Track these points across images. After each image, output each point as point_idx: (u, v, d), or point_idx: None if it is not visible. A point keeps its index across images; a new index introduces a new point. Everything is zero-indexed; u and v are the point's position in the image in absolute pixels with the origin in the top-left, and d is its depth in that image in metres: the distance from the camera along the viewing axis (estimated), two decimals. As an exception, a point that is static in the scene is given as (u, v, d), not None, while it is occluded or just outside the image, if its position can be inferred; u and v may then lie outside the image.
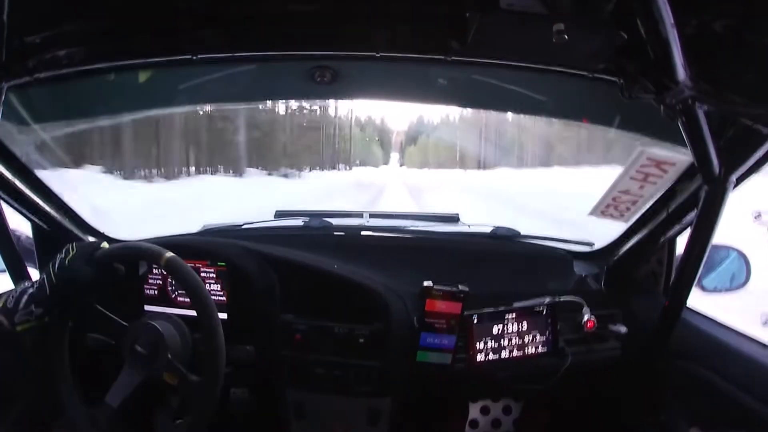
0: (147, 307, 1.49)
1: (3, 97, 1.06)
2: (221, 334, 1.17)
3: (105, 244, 1.15)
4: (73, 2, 0.98)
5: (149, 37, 1.08)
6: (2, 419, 1.17)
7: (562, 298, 1.54)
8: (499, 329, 1.51)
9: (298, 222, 1.91)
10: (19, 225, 1.49)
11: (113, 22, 1.04)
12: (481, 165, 28.55)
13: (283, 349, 1.50)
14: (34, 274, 1.43)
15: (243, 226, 1.88)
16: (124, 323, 1.19)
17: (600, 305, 1.57)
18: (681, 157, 1.16)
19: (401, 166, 36.12)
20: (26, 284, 1.09)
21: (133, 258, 1.16)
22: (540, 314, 1.53)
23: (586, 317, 1.51)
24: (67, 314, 1.14)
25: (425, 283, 1.45)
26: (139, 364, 1.15)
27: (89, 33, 1.05)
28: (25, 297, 1.05)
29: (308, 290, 1.53)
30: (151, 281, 1.50)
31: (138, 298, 1.50)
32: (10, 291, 1.07)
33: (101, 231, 1.73)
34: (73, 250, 1.11)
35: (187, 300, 1.29)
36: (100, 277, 1.12)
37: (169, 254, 1.13)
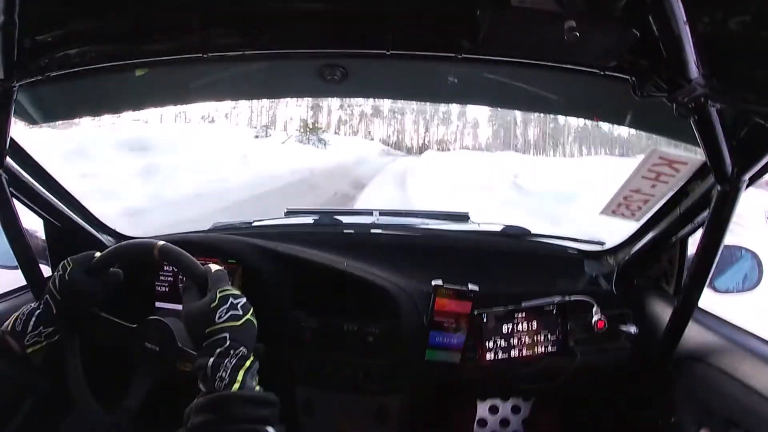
0: (158, 304, 1.50)
1: (15, 95, 1.07)
2: None
3: (97, 253, 1.13)
4: (85, 1, 0.99)
5: (160, 36, 1.08)
6: (11, 420, 1.16)
7: (573, 298, 1.53)
8: (508, 328, 1.51)
9: (308, 220, 1.92)
10: (32, 222, 1.51)
11: (124, 21, 1.04)
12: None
13: (293, 346, 1.51)
14: (46, 270, 1.45)
15: (253, 224, 1.89)
16: (131, 325, 1.17)
17: (610, 305, 1.56)
18: (693, 156, 1.15)
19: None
20: (32, 305, 1.07)
21: (127, 257, 1.15)
22: (550, 314, 1.53)
23: (596, 317, 1.51)
24: (76, 327, 1.13)
25: (434, 282, 1.45)
26: (151, 363, 1.15)
27: (101, 32, 1.05)
28: (33, 319, 1.04)
29: (318, 288, 1.54)
30: (162, 278, 1.52)
31: (149, 296, 1.51)
32: (18, 313, 1.06)
33: (113, 228, 1.74)
34: (69, 264, 1.10)
35: None
36: (102, 284, 1.13)
37: (161, 243, 1.10)
